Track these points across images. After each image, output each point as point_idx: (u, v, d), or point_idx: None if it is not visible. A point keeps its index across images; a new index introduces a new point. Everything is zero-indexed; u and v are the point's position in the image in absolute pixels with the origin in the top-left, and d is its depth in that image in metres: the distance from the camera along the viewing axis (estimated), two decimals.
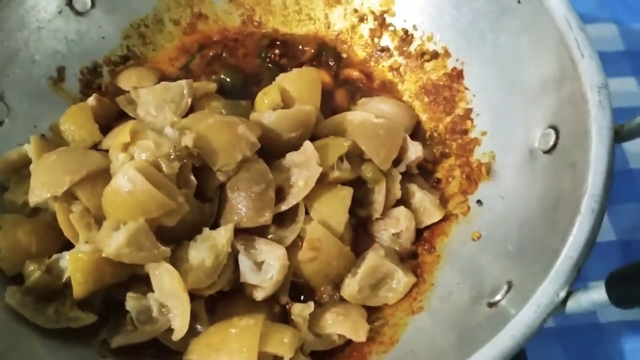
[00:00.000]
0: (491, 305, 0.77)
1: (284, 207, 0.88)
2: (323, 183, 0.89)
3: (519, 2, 0.93)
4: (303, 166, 0.89)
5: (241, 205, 0.86)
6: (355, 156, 0.93)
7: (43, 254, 0.84)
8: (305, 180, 0.88)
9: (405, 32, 1.12)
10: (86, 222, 0.83)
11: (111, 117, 1.03)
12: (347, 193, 0.90)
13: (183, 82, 1.00)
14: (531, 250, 0.80)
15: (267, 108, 0.98)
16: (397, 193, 0.93)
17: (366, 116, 0.96)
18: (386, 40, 1.14)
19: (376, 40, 1.15)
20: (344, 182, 0.92)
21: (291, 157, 0.91)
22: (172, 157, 0.83)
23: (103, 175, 0.85)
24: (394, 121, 0.99)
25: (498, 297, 0.77)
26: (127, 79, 1.10)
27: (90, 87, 1.10)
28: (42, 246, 0.85)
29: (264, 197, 0.86)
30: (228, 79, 1.13)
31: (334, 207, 0.89)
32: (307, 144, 0.91)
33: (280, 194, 0.89)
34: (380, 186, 0.93)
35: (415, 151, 0.97)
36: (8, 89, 0.99)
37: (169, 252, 0.81)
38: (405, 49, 1.12)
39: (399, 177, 0.94)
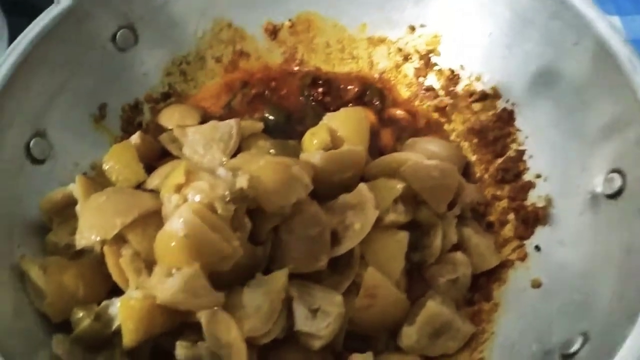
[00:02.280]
0: (566, 357, 0.73)
1: (340, 251, 0.85)
2: (378, 227, 0.86)
3: (576, 43, 0.91)
4: (358, 209, 0.87)
5: (296, 249, 0.83)
6: (409, 198, 0.90)
7: (90, 299, 0.80)
8: (361, 224, 0.85)
9: (452, 72, 1.10)
10: (136, 266, 0.79)
11: (154, 156, 1.01)
12: (403, 237, 0.87)
13: (232, 121, 0.98)
14: (604, 300, 0.76)
15: (316, 148, 0.95)
16: (453, 237, 0.90)
17: (417, 157, 0.94)
18: (431, 80, 1.12)
19: (421, 79, 1.13)
20: (399, 226, 0.88)
21: (345, 199, 0.89)
22: (228, 199, 0.79)
23: (154, 217, 0.81)
24: (446, 163, 0.96)
25: (573, 350, 0.73)
26: (169, 117, 1.08)
27: (131, 124, 1.08)
28: (89, 291, 0.81)
29: (319, 240, 0.84)
30: (271, 117, 1.11)
31: (390, 252, 0.87)
32: (362, 186, 0.88)
33: (335, 238, 0.86)
34: (436, 230, 0.90)
35: (469, 193, 0.95)
36: (51, 126, 0.96)
37: (223, 298, 0.77)
38: (451, 89, 1.10)
39: (455, 220, 0.91)
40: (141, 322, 0.75)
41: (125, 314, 0.75)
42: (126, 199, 0.83)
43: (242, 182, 0.81)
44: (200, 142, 0.96)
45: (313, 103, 1.13)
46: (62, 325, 0.80)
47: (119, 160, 0.95)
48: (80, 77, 1.00)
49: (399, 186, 0.89)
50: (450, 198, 0.92)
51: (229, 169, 0.85)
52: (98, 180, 0.94)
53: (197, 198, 0.79)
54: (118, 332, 0.77)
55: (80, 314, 0.78)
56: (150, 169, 0.97)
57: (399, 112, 1.12)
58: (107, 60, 1.04)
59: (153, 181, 0.93)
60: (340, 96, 1.14)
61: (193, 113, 1.08)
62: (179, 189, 0.81)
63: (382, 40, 1.15)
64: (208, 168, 0.87)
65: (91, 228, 0.80)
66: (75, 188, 0.88)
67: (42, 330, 0.80)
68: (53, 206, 0.90)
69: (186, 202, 0.79)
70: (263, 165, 0.85)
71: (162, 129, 1.06)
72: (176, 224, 0.75)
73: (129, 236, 0.80)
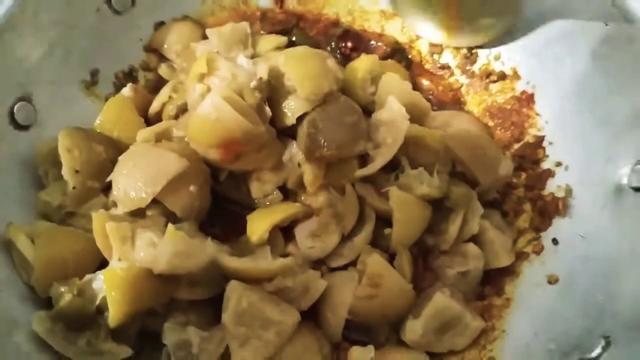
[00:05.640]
0: None
1: (375, 167, 0.82)
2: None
3: (606, 24, 0.84)
4: (390, 125, 0.84)
5: (337, 133, 0.81)
6: (445, 172, 0.85)
7: (80, 272, 0.74)
8: (393, 137, 0.82)
9: (470, 49, 1.03)
10: (122, 234, 0.73)
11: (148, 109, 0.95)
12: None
13: (243, 23, 0.97)
14: (629, 301, 0.70)
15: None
16: (475, 227, 0.84)
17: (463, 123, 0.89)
18: (447, 58, 1.05)
19: (435, 57, 1.06)
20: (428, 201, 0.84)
21: (376, 117, 0.86)
22: (254, 86, 0.80)
23: (182, 178, 0.78)
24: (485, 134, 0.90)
25: (594, 354, 0.67)
26: (173, 37, 1.01)
27: None
28: (79, 264, 0.75)
29: (357, 127, 0.83)
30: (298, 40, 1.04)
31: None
32: (392, 100, 0.84)
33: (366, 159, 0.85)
34: (456, 216, 0.83)
35: (505, 166, 0.88)
36: (37, 91, 0.89)
37: (213, 248, 0.74)
38: (468, 67, 1.03)
39: (481, 210, 0.84)
40: (128, 293, 0.70)
41: (110, 284, 0.69)
42: (153, 165, 0.78)
43: (262, 71, 0.82)
44: (222, 45, 0.94)
45: (339, 56, 1.05)
46: (48, 302, 0.75)
47: (118, 115, 0.90)
48: (71, 40, 0.94)
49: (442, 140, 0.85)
50: (495, 171, 0.86)
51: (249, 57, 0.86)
52: (87, 134, 0.88)
53: (220, 86, 0.81)
54: (102, 312, 0.71)
55: (62, 289, 0.72)
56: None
57: (425, 82, 1.05)
58: (101, 23, 0.97)
59: (155, 105, 0.93)
60: (369, 52, 1.04)
61: (196, 31, 1.03)
62: (202, 78, 0.83)
63: (395, 14, 1.07)
64: (229, 58, 0.87)
65: (127, 196, 0.77)
66: (60, 145, 0.82)
67: (19, 307, 0.74)
68: (49, 152, 0.85)
69: (209, 90, 0.81)
70: (301, 53, 0.85)
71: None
72: (207, 108, 0.77)
73: (163, 201, 0.78)
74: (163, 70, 0.97)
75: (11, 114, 0.86)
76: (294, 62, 0.82)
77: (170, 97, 0.92)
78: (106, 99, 0.96)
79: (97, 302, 0.72)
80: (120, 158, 0.82)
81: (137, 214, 0.79)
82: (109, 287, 0.69)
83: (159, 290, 0.72)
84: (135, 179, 0.77)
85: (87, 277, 0.74)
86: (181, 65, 0.98)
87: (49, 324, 0.70)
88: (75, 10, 0.93)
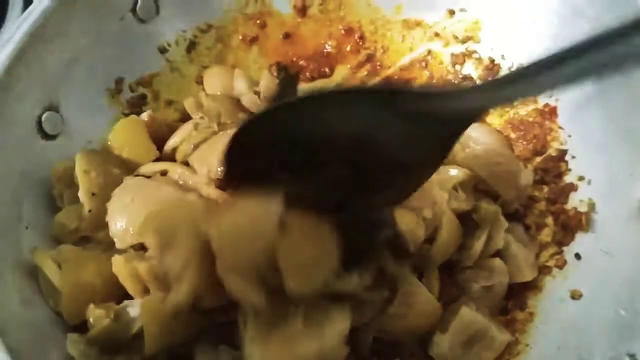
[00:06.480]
0: None
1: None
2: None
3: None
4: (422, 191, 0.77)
5: None
6: (468, 189, 0.85)
7: (108, 299, 0.74)
8: (432, 212, 0.79)
9: (492, 61, 1.04)
10: (156, 274, 0.72)
11: (162, 138, 0.92)
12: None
13: None
14: None
15: None
16: (500, 242, 0.85)
17: (474, 144, 0.88)
18: (469, 69, 1.06)
19: (458, 67, 1.06)
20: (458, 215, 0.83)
21: None
22: None
23: None
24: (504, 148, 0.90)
25: None
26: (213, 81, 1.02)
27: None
28: (107, 290, 0.75)
29: None
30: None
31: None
32: None
33: None
34: (481, 232, 0.84)
35: (525, 176, 0.89)
36: (64, 100, 0.90)
37: None
38: (490, 79, 1.03)
39: (506, 224, 0.85)
40: (166, 325, 0.69)
41: (148, 316, 0.69)
42: (152, 199, 0.76)
43: None
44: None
45: None
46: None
47: (129, 136, 0.89)
48: (97, 49, 0.94)
49: (460, 173, 0.84)
50: (517, 184, 0.87)
51: None
52: (104, 156, 0.88)
53: None
54: (137, 336, 0.71)
55: (98, 313, 0.72)
56: None
57: None
58: (126, 31, 0.97)
59: (173, 141, 0.90)
60: None
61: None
62: None
63: (418, 24, 1.08)
64: None
65: (126, 232, 0.75)
66: (77, 166, 0.82)
67: (54, 326, 0.75)
68: (65, 174, 0.85)
69: None
70: None
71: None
72: None
73: None
74: (189, 103, 0.94)
75: (39, 123, 0.87)
76: None
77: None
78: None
79: (134, 330, 0.71)
80: (114, 192, 0.80)
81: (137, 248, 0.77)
82: (146, 321, 0.69)
83: (197, 320, 0.71)
84: (133, 213, 0.76)
85: (125, 302, 0.73)
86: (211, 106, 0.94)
87: (83, 347, 0.70)
88: (101, 18, 0.94)
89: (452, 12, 1.05)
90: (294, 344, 0.65)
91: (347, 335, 0.67)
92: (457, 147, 0.87)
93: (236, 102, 0.96)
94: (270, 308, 0.65)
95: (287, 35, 1.10)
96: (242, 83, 0.97)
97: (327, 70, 1.10)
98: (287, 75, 1.04)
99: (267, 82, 0.97)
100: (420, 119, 0.57)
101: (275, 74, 1.01)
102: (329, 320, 0.67)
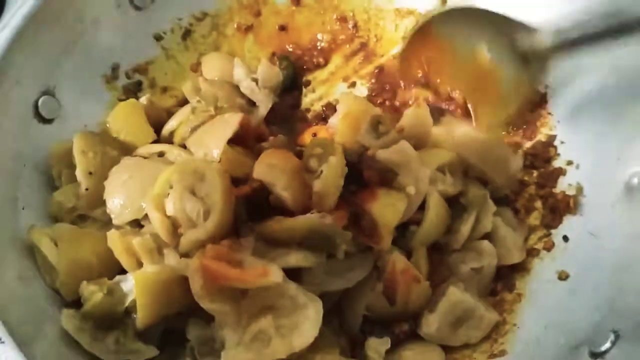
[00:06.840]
0: (596, 355, 0.70)
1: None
2: None
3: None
4: (403, 168, 0.80)
5: None
6: (457, 173, 0.87)
7: (104, 275, 0.76)
8: (415, 187, 0.79)
9: None
10: (149, 248, 0.74)
11: (159, 122, 0.94)
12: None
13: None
14: (637, 297, 0.72)
15: None
16: (488, 225, 0.86)
17: (465, 129, 0.89)
18: None
19: None
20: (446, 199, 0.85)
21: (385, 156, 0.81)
22: None
23: None
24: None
25: (604, 348, 0.69)
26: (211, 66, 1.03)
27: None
28: (103, 267, 0.76)
29: None
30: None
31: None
32: (403, 143, 0.81)
33: None
34: (469, 214, 0.85)
35: (515, 160, 0.90)
36: (61, 84, 0.91)
37: None
38: None
39: (494, 208, 0.87)
40: (158, 297, 0.71)
41: (141, 288, 0.70)
42: (150, 177, 0.78)
43: None
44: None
45: None
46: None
47: (128, 118, 0.91)
48: (93, 35, 0.96)
49: (443, 153, 0.85)
50: (507, 169, 0.89)
51: None
52: (102, 138, 0.89)
53: None
54: (130, 311, 0.73)
55: (92, 289, 0.73)
56: None
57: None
58: (122, 18, 0.99)
59: (171, 124, 0.92)
60: None
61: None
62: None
63: (410, 12, 1.09)
64: None
65: (123, 209, 0.78)
66: (74, 147, 0.84)
67: (50, 301, 0.76)
68: (64, 154, 0.86)
69: None
70: None
71: None
72: None
73: None
74: (187, 88, 0.96)
75: (36, 107, 0.88)
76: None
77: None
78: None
79: (127, 303, 0.73)
80: (111, 171, 0.82)
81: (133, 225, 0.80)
82: (139, 291, 0.70)
83: (189, 293, 0.72)
84: (131, 190, 0.78)
85: (117, 277, 0.75)
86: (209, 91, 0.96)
87: (77, 322, 0.72)
88: (97, 5, 0.95)
89: (444, 1, 1.06)
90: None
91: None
92: (444, 133, 0.89)
93: (234, 88, 0.98)
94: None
95: (282, 28, 1.11)
96: (241, 70, 0.98)
97: (321, 60, 1.11)
98: (289, 65, 1.06)
99: (267, 71, 0.98)
100: None
101: (277, 63, 1.03)
102: None
